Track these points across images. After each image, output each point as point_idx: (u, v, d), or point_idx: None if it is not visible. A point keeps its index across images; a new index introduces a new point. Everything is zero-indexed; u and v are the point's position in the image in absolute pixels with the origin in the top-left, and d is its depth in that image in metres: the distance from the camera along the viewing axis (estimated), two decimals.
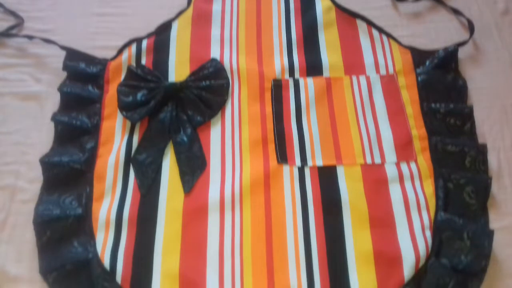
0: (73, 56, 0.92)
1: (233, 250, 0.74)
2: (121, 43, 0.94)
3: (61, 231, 0.76)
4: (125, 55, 0.93)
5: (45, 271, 0.73)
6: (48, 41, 0.94)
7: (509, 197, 0.79)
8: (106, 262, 0.74)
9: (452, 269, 0.71)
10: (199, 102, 0.85)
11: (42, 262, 0.74)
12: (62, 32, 0.98)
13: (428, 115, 0.85)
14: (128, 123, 0.86)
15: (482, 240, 0.72)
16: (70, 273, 0.73)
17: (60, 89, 0.88)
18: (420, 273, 0.72)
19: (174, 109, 0.85)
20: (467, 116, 0.85)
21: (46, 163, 0.80)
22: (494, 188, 0.79)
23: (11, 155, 0.84)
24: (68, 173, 0.80)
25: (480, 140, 0.84)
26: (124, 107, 0.85)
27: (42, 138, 0.86)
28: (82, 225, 0.77)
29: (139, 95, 0.85)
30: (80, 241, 0.75)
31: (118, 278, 0.72)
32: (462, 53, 0.93)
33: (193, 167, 0.81)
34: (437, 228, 0.75)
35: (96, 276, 0.72)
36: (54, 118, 0.85)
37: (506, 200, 0.79)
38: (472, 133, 0.84)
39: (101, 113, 0.87)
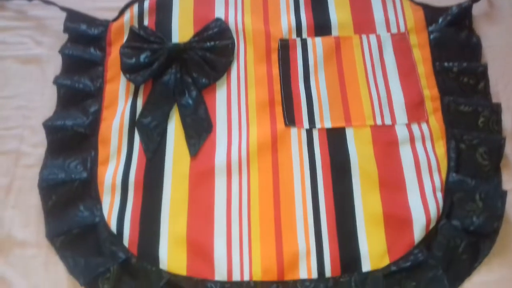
0: (73, 17, 0.90)
1: (241, 213, 0.74)
2: (122, 4, 0.91)
3: (67, 195, 0.75)
4: (127, 16, 0.90)
5: (52, 235, 0.73)
6: (47, 2, 0.91)
7: None
8: (113, 225, 0.73)
9: (463, 231, 0.71)
10: (204, 64, 0.83)
11: (48, 226, 0.74)
12: None
13: (441, 74, 0.83)
14: (132, 86, 0.84)
15: (495, 201, 0.71)
16: (77, 237, 0.73)
17: (61, 51, 0.86)
18: (431, 235, 0.71)
19: (178, 71, 0.83)
20: (481, 74, 0.82)
21: (50, 127, 0.79)
22: (508, 148, 0.77)
23: (14, 120, 0.83)
24: (72, 137, 0.79)
25: (494, 100, 0.82)
26: (127, 70, 0.83)
27: (45, 102, 0.84)
28: (88, 189, 0.76)
29: (142, 57, 0.83)
30: (86, 205, 0.75)
31: (125, 241, 0.72)
32: (476, 9, 0.89)
33: (199, 130, 0.80)
34: (449, 189, 0.74)
35: (103, 240, 0.72)
36: (56, 81, 0.83)
37: None
38: (486, 92, 0.82)
39: (104, 76, 0.85)
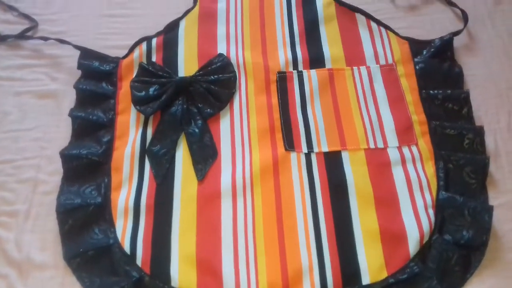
0: (86, 55, 0.96)
1: (246, 232, 0.78)
2: (131, 42, 0.98)
3: (83, 219, 0.79)
4: (136, 53, 0.97)
5: (69, 257, 0.76)
6: (62, 41, 0.98)
7: (506, 176, 0.83)
8: (126, 247, 0.77)
9: (455, 244, 0.75)
10: (208, 95, 0.89)
11: (65, 249, 0.77)
12: (74, 34, 1.01)
13: (427, 101, 0.89)
14: (142, 117, 0.89)
15: (482, 215, 0.76)
16: (93, 258, 0.76)
17: (75, 86, 0.92)
18: (425, 248, 0.76)
19: (185, 103, 0.89)
20: (464, 100, 0.89)
21: (66, 156, 0.84)
22: (492, 168, 0.83)
23: (31, 150, 0.88)
24: (86, 165, 0.84)
25: (477, 123, 0.88)
26: (138, 102, 0.89)
27: (60, 133, 0.89)
28: (102, 213, 0.80)
29: (151, 90, 0.89)
30: (101, 228, 0.79)
31: (138, 261, 0.76)
32: (457, 42, 0.97)
33: (205, 156, 0.85)
34: (439, 206, 0.79)
35: (117, 260, 0.76)
36: (71, 113, 0.89)
37: (503, 178, 0.83)
38: (469, 116, 0.88)
39: (115, 109, 0.91)
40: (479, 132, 0.85)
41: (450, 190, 0.81)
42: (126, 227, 0.79)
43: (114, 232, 0.79)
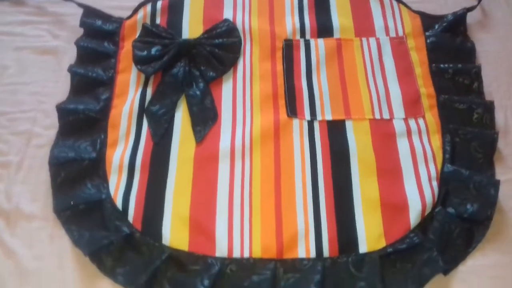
0: (90, 13, 0.95)
1: (243, 194, 0.76)
2: (135, 3, 0.96)
3: (75, 172, 0.78)
4: (140, 14, 0.95)
5: (59, 210, 0.75)
6: None
7: None
8: (119, 203, 0.76)
9: (458, 217, 0.73)
10: (212, 58, 0.87)
11: (56, 201, 0.76)
12: None
13: (437, 75, 0.87)
14: (142, 77, 0.88)
15: (488, 189, 0.74)
16: (83, 212, 0.75)
17: (77, 43, 0.91)
18: (426, 220, 0.74)
19: (187, 65, 0.87)
20: (475, 75, 0.86)
21: (62, 110, 0.83)
22: (501, 143, 0.80)
23: (28, 104, 0.86)
24: (83, 120, 0.83)
25: (488, 99, 0.85)
26: (139, 61, 0.87)
27: (59, 88, 0.88)
28: (96, 168, 0.79)
29: (153, 50, 0.87)
30: (94, 183, 0.77)
31: (130, 218, 0.74)
32: (470, 18, 0.94)
33: (205, 119, 0.83)
34: (444, 179, 0.77)
35: (108, 215, 0.74)
36: (70, 69, 0.87)
37: None
38: (479, 91, 0.85)
39: (116, 67, 0.89)
40: (489, 107, 0.82)
41: (456, 163, 0.78)
42: (120, 184, 0.78)
43: (107, 187, 0.77)
